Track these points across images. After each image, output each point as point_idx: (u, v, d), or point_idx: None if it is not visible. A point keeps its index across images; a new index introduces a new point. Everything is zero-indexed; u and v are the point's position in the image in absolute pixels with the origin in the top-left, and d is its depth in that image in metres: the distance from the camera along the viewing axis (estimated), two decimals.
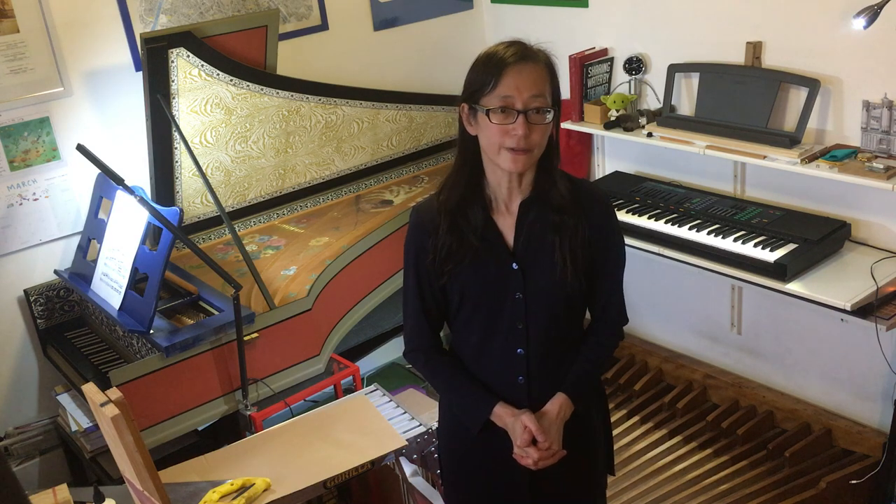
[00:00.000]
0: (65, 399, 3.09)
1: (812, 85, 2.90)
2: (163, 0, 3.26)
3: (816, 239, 2.85)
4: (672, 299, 3.65)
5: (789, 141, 2.92)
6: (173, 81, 3.02)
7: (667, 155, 3.47)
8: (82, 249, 3.13)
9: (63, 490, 2.25)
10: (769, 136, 2.98)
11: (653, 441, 3.37)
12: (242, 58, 3.18)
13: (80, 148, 2.77)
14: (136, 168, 3.22)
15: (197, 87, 3.10)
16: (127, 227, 2.83)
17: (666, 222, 3.15)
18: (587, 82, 3.55)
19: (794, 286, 2.76)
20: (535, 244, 1.83)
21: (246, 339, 2.76)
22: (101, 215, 3.05)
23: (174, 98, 3.05)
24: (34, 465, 3.22)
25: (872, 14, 2.57)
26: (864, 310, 2.65)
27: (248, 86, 3.23)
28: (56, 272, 3.18)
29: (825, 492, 2.93)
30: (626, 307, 1.98)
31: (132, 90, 3.24)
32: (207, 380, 2.76)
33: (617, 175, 3.65)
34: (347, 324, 3.21)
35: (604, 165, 3.81)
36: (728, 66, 3.16)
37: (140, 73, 3.16)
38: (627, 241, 2.80)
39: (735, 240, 2.95)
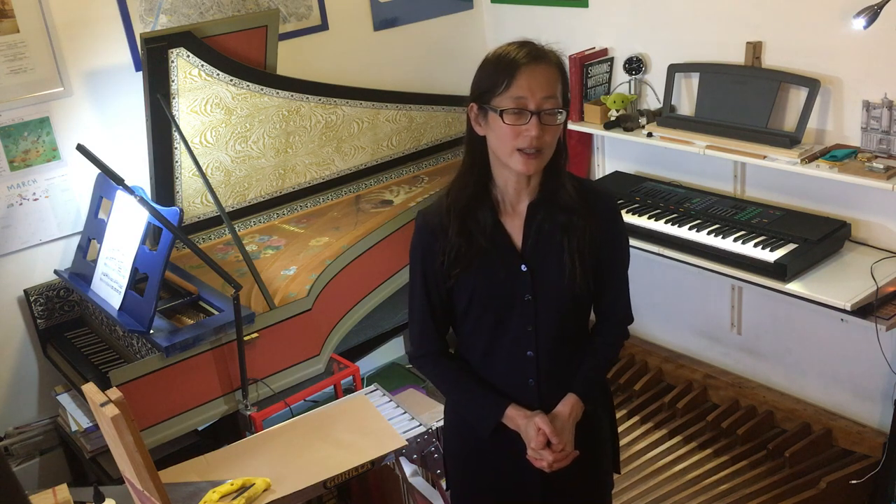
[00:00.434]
0: (65, 399, 3.09)
1: (812, 85, 2.90)
2: (163, 0, 3.26)
3: (816, 239, 2.85)
4: (672, 299, 3.65)
5: (789, 141, 2.92)
6: (173, 81, 3.02)
7: (667, 155, 3.47)
8: (82, 249, 3.13)
9: (63, 490, 2.25)
10: (769, 136, 2.98)
11: (653, 441, 3.37)
12: (242, 58, 3.18)
13: (80, 148, 2.77)
14: (136, 168, 3.22)
15: (197, 87, 3.10)
16: (127, 227, 2.83)
17: (666, 222, 3.15)
18: (587, 82, 3.55)
19: (794, 286, 2.76)
20: (543, 245, 1.83)
21: (246, 339, 2.76)
22: (101, 215, 3.05)
23: (174, 98, 3.05)
24: (34, 465, 3.22)
25: (872, 14, 2.57)
26: (864, 310, 2.65)
27: (248, 86, 3.23)
28: (56, 272, 3.18)
29: (825, 492, 2.93)
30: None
31: (132, 90, 3.24)
32: (207, 380, 2.76)
33: (617, 175, 3.65)
34: (347, 324, 3.21)
35: (604, 165, 3.81)
36: (728, 66, 3.16)
37: (140, 73, 3.16)
38: None
39: (735, 240, 2.95)
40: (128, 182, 2.79)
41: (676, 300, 3.65)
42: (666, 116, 3.32)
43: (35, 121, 3.10)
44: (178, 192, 3.23)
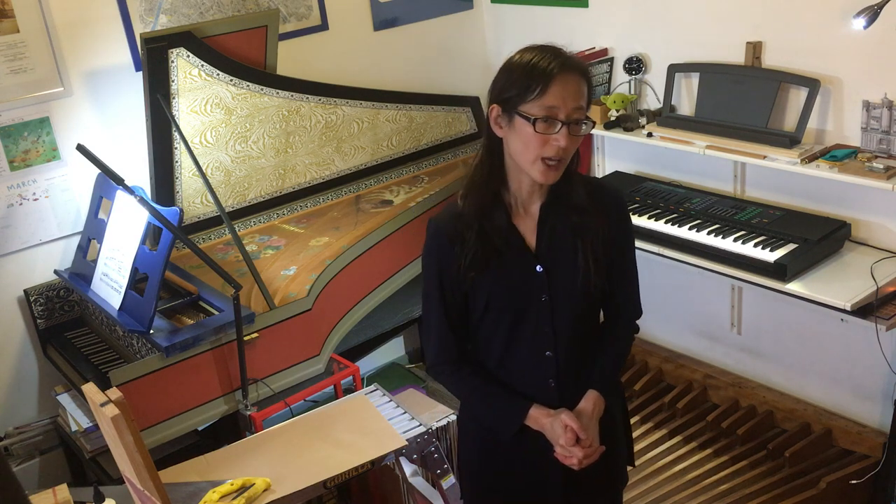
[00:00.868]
0: (65, 399, 3.09)
1: (812, 85, 2.90)
2: (163, 0, 3.26)
3: (816, 239, 2.85)
4: (672, 299, 3.66)
5: (789, 141, 2.92)
6: (173, 81, 3.02)
7: (667, 155, 3.47)
8: (82, 249, 3.13)
9: (63, 490, 2.25)
10: (769, 136, 2.98)
11: (653, 441, 3.37)
12: (242, 58, 3.18)
13: (80, 148, 2.77)
14: (136, 168, 3.22)
15: (197, 87, 3.10)
16: (127, 227, 2.83)
17: (666, 222, 3.15)
18: None
19: (794, 286, 2.76)
20: (557, 246, 1.84)
21: (246, 339, 2.76)
22: (101, 215, 3.05)
23: (174, 98, 3.05)
24: (34, 465, 3.22)
25: (872, 14, 2.57)
26: (864, 310, 2.65)
27: (248, 86, 3.23)
28: (56, 272, 3.18)
29: (825, 492, 2.93)
30: None
31: (132, 90, 3.24)
32: (207, 380, 2.76)
33: (617, 175, 3.65)
34: (347, 324, 3.21)
35: (604, 165, 3.81)
36: (728, 66, 3.16)
37: (140, 73, 3.16)
38: None
39: (735, 240, 2.95)
40: (128, 182, 2.79)
41: (676, 300, 3.65)
42: (666, 116, 3.32)
43: (35, 121, 3.10)
44: (178, 192, 3.23)
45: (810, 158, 2.86)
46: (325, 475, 2.18)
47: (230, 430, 2.84)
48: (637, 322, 2.02)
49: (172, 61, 2.98)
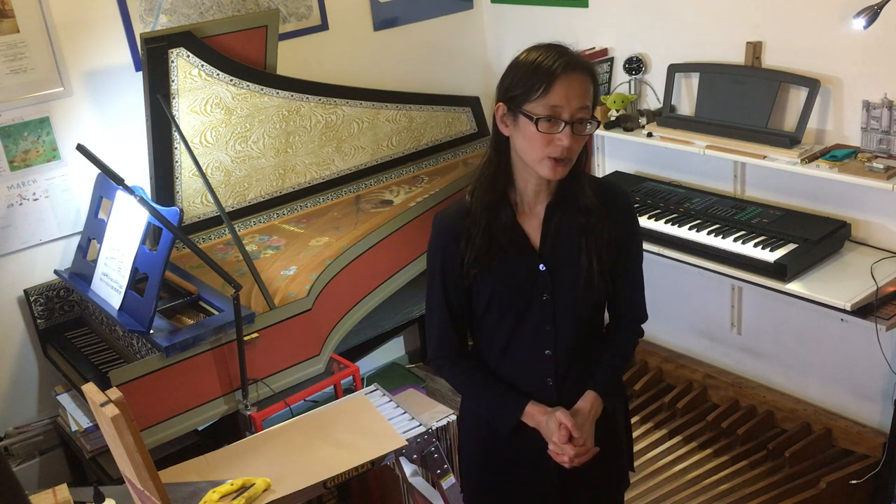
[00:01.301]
0: (65, 399, 3.09)
1: (812, 85, 2.90)
2: (163, 0, 3.26)
3: (816, 239, 2.85)
4: (672, 299, 3.66)
5: (789, 141, 2.92)
6: (173, 81, 3.02)
7: (667, 155, 3.47)
8: (82, 249, 3.13)
9: (63, 490, 2.25)
10: (769, 136, 2.98)
11: (653, 441, 3.37)
12: (242, 58, 3.18)
13: (80, 148, 2.77)
14: (136, 168, 3.22)
15: (197, 87, 3.10)
16: (127, 227, 2.83)
17: (666, 222, 3.15)
18: None
19: (794, 286, 2.76)
20: (562, 246, 1.84)
21: (246, 339, 2.76)
22: (101, 215, 3.05)
23: (174, 98, 3.05)
24: (34, 465, 3.22)
25: (872, 14, 2.57)
26: (864, 310, 2.65)
27: (248, 86, 3.23)
28: (56, 272, 3.18)
29: (825, 492, 2.93)
30: None
31: (132, 90, 3.24)
32: (207, 380, 2.76)
33: (617, 175, 3.65)
34: (347, 324, 3.21)
35: (604, 165, 3.81)
36: (728, 66, 3.16)
37: (140, 73, 3.16)
38: None
39: (735, 240, 2.95)
40: (128, 182, 2.79)
41: (676, 300, 3.65)
42: (666, 116, 3.32)
43: (35, 121, 3.10)
44: (178, 192, 3.23)
45: (810, 158, 2.86)
46: (325, 475, 2.18)
47: (230, 430, 2.84)
48: (642, 326, 2.02)
49: (172, 61, 2.98)
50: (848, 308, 2.63)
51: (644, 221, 3.19)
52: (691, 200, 3.26)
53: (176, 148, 3.13)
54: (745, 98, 3.07)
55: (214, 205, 3.05)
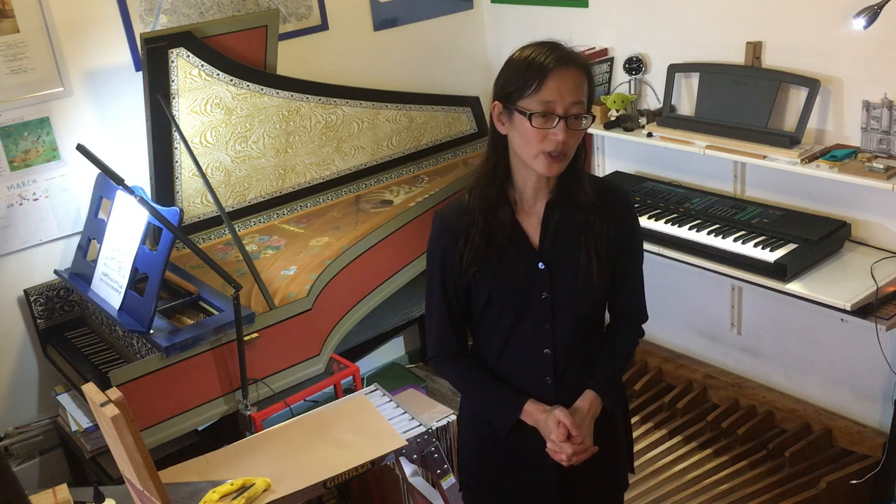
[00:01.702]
0: (65, 399, 3.09)
1: (812, 85, 2.90)
2: (163, 0, 3.26)
3: (816, 239, 2.85)
4: (672, 299, 3.66)
5: (789, 141, 2.92)
6: (173, 81, 3.02)
7: (667, 155, 3.47)
8: (82, 249, 3.13)
9: (63, 490, 2.25)
10: (769, 136, 2.98)
11: (653, 441, 3.37)
12: (242, 58, 3.18)
13: (80, 148, 2.77)
14: (136, 168, 3.22)
15: (197, 87, 3.10)
16: (127, 227, 2.83)
17: (666, 222, 3.15)
18: None
19: (794, 286, 2.76)
20: (561, 244, 1.84)
21: (246, 339, 2.76)
22: (101, 215, 3.05)
23: (174, 98, 3.05)
24: (34, 465, 3.22)
25: (872, 14, 2.57)
26: (864, 310, 2.65)
27: (248, 86, 3.23)
28: (56, 272, 3.18)
29: (825, 492, 2.93)
30: None
31: (132, 90, 3.24)
32: (207, 380, 2.76)
33: (617, 175, 3.65)
34: (347, 324, 3.21)
35: (604, 165, 3.81)
36: (728, 66, 3.16)
37: (140, 73, 3.16)
38: None
39: (735, 240, 2.95)
40: (128, 182, 2.79)
41: (676, 300, 3.65)
42: (666, 116, 3.32)
43: (35, 121, 3.10)
44: (178, 192, 3.23)
45: (810, 158, 2.86)
46: (325, 475, 2.18)
47: (230, 430, 2.84)
48: (643, 326, 2.01)
49: (172, 61, 2.98)
50: (848, 308, 2.63)
51: (644, 221, 3.19)
52: (691, 200, 3.26)
53: (176, 148, 3.13)
54: (745, 98, 3.06)
55: (214, 205, 3.05)
